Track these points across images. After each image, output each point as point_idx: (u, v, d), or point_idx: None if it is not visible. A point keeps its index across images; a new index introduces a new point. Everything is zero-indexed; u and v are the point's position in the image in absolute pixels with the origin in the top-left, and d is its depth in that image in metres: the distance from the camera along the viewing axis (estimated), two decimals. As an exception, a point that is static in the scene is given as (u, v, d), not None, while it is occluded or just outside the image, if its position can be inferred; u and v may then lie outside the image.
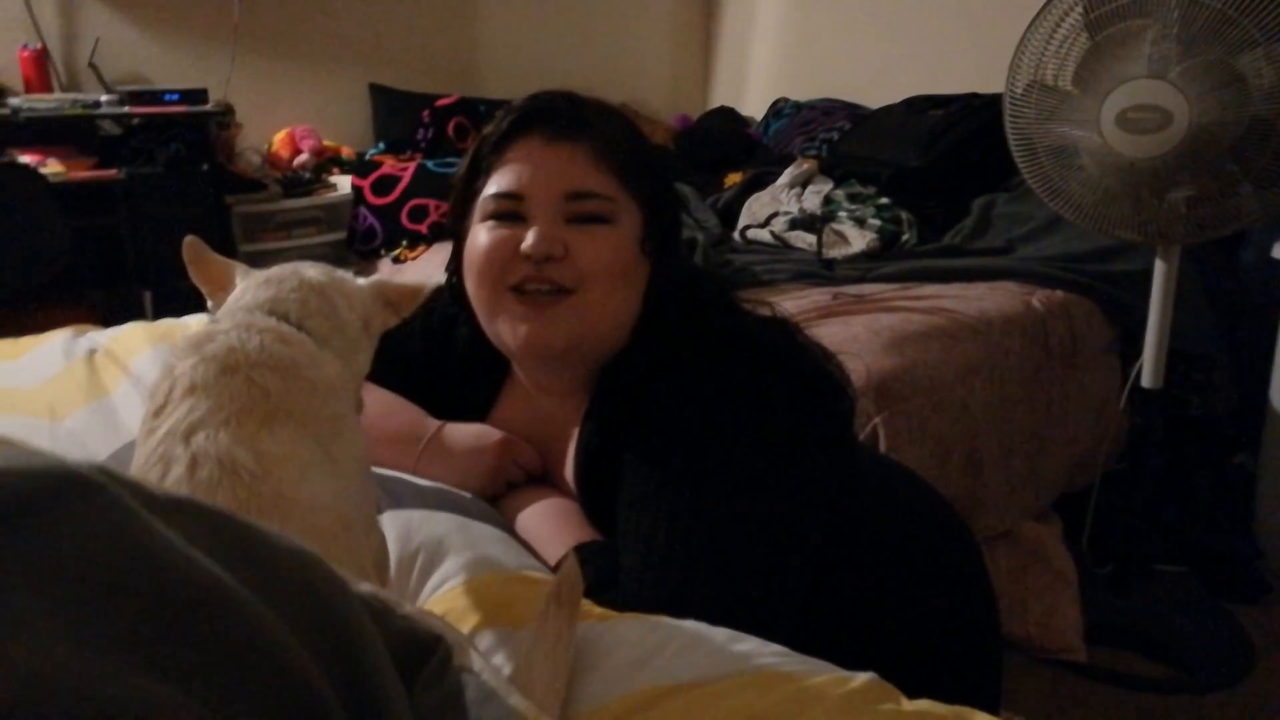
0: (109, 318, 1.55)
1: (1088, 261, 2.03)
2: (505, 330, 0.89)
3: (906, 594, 0.93)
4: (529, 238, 0.86)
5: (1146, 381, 1.73)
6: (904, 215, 2.29)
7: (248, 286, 0.73)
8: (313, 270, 0.75)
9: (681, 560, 0.79)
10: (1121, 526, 1.83)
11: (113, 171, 2.65)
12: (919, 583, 0.95)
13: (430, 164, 3.01)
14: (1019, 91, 1.63)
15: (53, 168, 2.56)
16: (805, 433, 0.87)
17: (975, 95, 2.64)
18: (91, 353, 1.28)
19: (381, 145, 3.42)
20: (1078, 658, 1.66)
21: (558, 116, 0.88)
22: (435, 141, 3.26)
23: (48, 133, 2.75)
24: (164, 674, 0.27)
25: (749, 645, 0.74)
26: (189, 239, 0.76)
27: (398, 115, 3.49)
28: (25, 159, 2.54)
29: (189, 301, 2.04)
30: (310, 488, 0.61)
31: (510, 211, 0.88)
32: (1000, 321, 1.79)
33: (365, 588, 0.41)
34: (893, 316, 1.75)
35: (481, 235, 0.89)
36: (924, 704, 0.70)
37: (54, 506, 0.27)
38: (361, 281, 0.79)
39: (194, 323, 1.39)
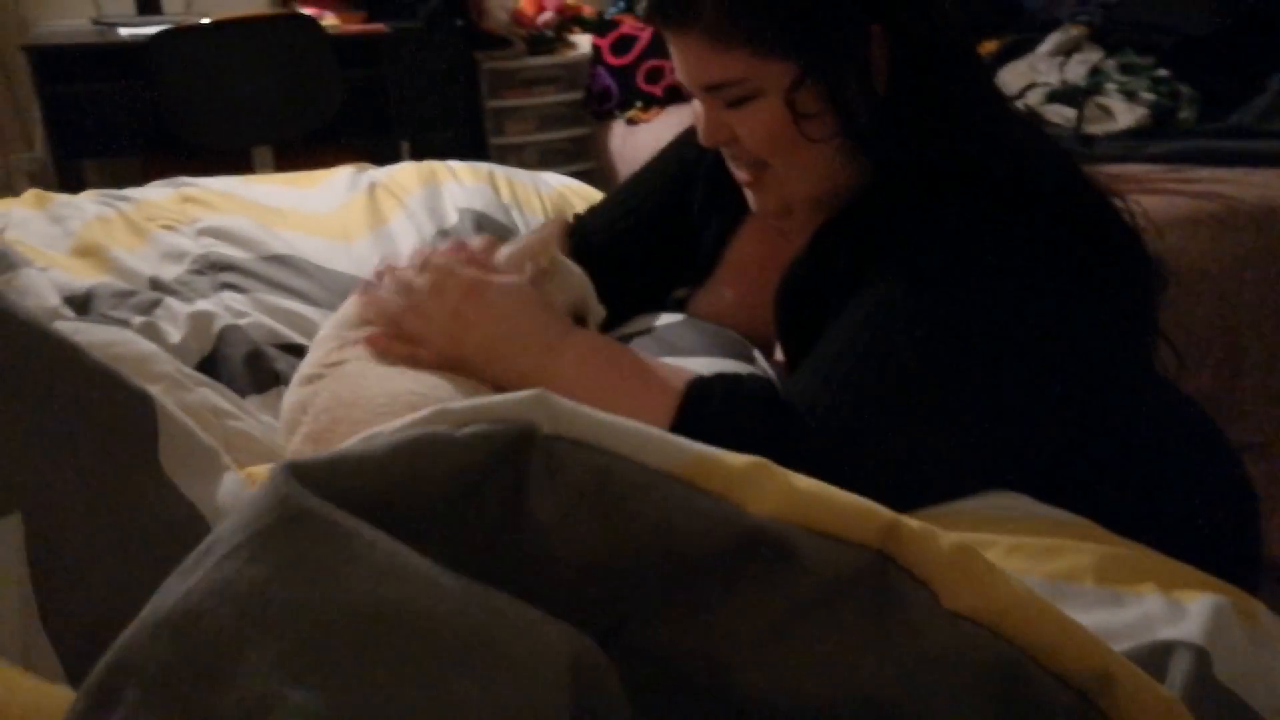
0: (373, 164, 1.70)
1: None
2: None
3: (1152, 489, 0.88)
4: (699, 132, 0.88)
5: None
6: (1183, 90, 2.06)
7: None
8: None
9: (888, 389, 0.74)
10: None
11: (378, 25, 2.83)
12: (1168, 481, 0.90)
13: (668, 24, 3.00)
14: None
15: (329, 20, 2.77)
16: (1079, 293, 0.77)
17: (1290, -47, 2.28)
18: (372, 186, 1.42)
19: (622, 4, 3.42)
20: (1324, 581, 1.54)
21: (667, 2, 0.82)
22: None
23: (324, -14, 2.97)
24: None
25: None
26: (560, 219, 0.94)
27: (637, -26, 3.48)
28: (306, 11, 2.76)
29: (441, 152, 2.20)
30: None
31: (689, 94, 0.88)
32: (1287, 212, 1.61)
33: None
34: (1155, 199, 1.61)
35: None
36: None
37: None
38: None
39: (457, 166, 1.51)
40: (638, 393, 0.78)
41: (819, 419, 0.73)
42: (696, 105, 0.88)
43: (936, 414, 0.74)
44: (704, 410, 0.76)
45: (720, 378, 0.79)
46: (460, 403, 0.41)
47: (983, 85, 0.86)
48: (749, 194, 0.91)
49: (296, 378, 0.85)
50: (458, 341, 0.82)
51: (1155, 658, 0.58)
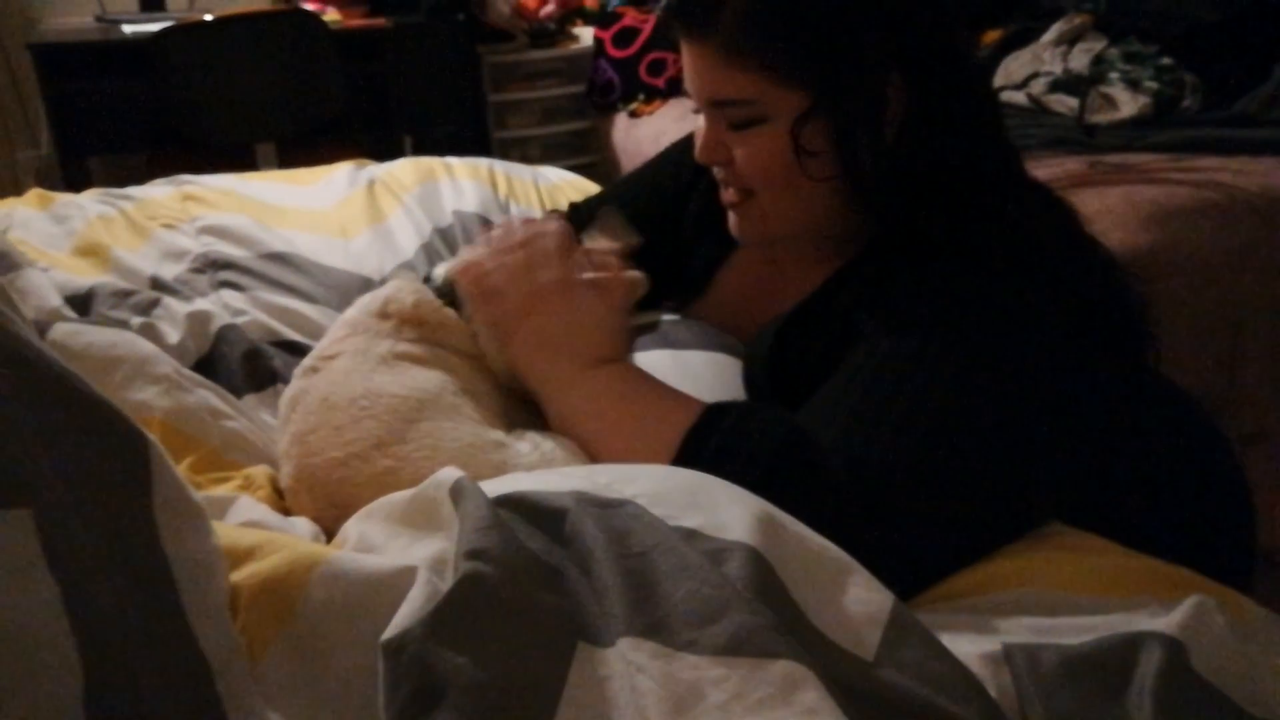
0: (375, 159, 1.71)
1: None
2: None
3: (1149, 490, 0.88)
4: (696, 146, 0.85)
5: None
6: (1188, 78, 2.05)
7: None
8: None
9: (919, 429, 0.70)
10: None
11: (380, 20, 2.84)
12: (1167, 479, 0.90)
13: (670, 16, 3.00)
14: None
15: (331, 16, 2.78)
16: (1076, 351, 0.76)
17: (1297, -62, 2.26)
18: (371, 182, 1.43)
19: (624, -3, 3.43)
20: (1326, 571, 1.54)
21: (690, 8, 0.78)
22: (677, -7, 3.22)
23: (328, -18, 2.97)
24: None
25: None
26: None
27: (641, -34, 3.47)
28: (309, 6, 2.77)
29: (444, 147, 2.20)
30: None
31: (695, 107, 0.85)
32: (1289, 201, 1.60)
33: None
34: (1157, 189, 1.60)
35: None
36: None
37: None
38: None
39: (455, 164, 1.52)
40: (652, 415, 0.76)
41: (848, 457, 0.68)
42: (699, 119, 0.85)
43: (970, 461, 0.70)
44: (716, 434, 0.72)
45: (742, 403, 0.75)
46: None
47: (997, 154, 0.82)
48: (731, 216, 0.89)
49: (299, 368, 0.85)
50: (524, 313, 0.82)
51: (1126, 648, 0.59)
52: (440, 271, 0.91)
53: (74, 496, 0.44)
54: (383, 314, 0.84)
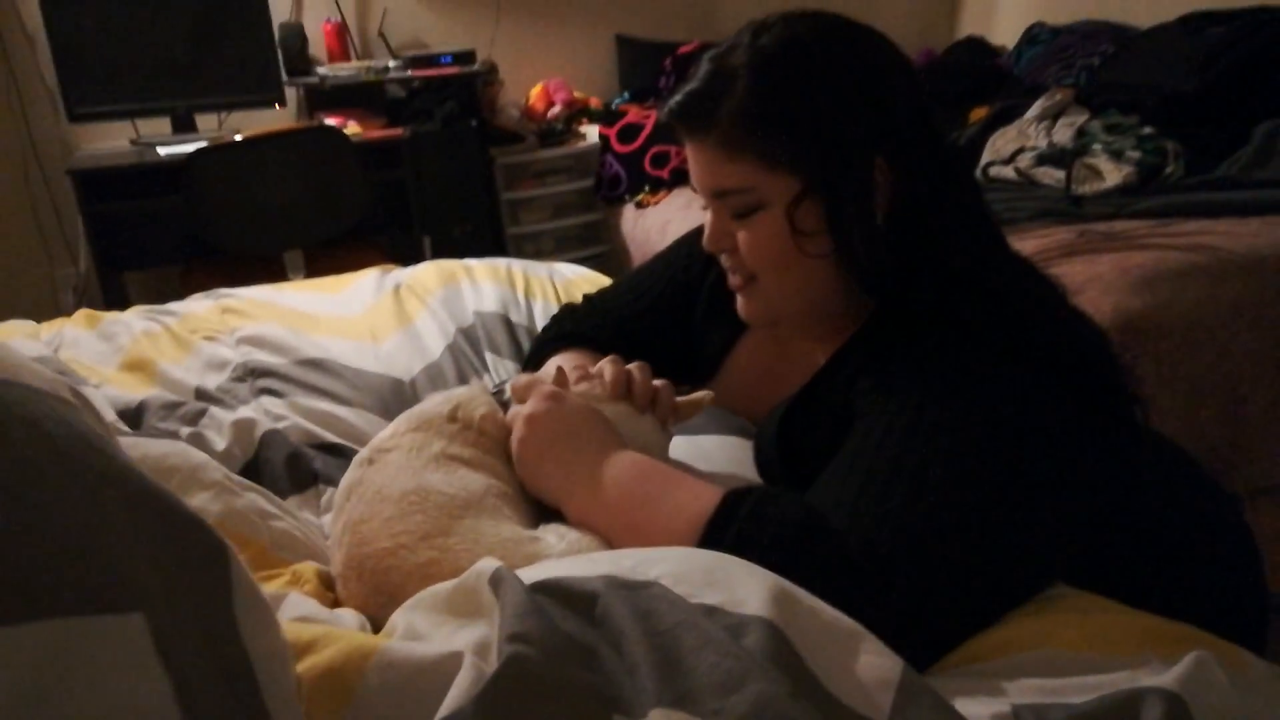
0: (396, 260, 1.80)
1: (1392, 193, 1.81)
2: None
3: (1155, 549, 0.91)
4: (704, 236, 0.93)
5: None
6: (1170, 146, 2.13)
7: None
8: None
9: (924, 502, 0.72)
10: None
11: (398, 130, 2.99)
12: (1176, 540, 0.93)
13: (672, 111, 3.13)
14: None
15: (352, 129, 2.92)
16: (1062, 419, 0.79)
17: (1264, 9, 2.37)
18: (397, 287, 1.52)
19: (626, 94, 3.58)
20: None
21: (688, 109, 0.87)
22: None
23: (347, 97, 3.14)
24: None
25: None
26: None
27: (641, 64, 3.63)
28: (331, 121, 2.92)
29: (462, 245, 2.29)
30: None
31: (703, 203, 0.93)
32: (1276, 260, 1.65)
33: None
34: (1145, 254, 1.66)
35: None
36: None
37: None
38: None
39: (475, 266, 1.60)
40: (668, 507, 0.79)
41: (861, 539, 0.71)
42: (708, 214, 0.92)
43: (975, 530, 0.73)
44: (735, 523, 0.74)
45: (757, 489, 0.78)
46: None
47: (980, 229, 0.88)
48: (739, 299, 0.95)
49: (356, 458, 0.90)
50: (523, 440, 0.88)
51: (1129, 704, 0.61)
52: (509, 388, 0.97)
53: (171, 600, 0.49)
54: (451, 417, 0.90)
